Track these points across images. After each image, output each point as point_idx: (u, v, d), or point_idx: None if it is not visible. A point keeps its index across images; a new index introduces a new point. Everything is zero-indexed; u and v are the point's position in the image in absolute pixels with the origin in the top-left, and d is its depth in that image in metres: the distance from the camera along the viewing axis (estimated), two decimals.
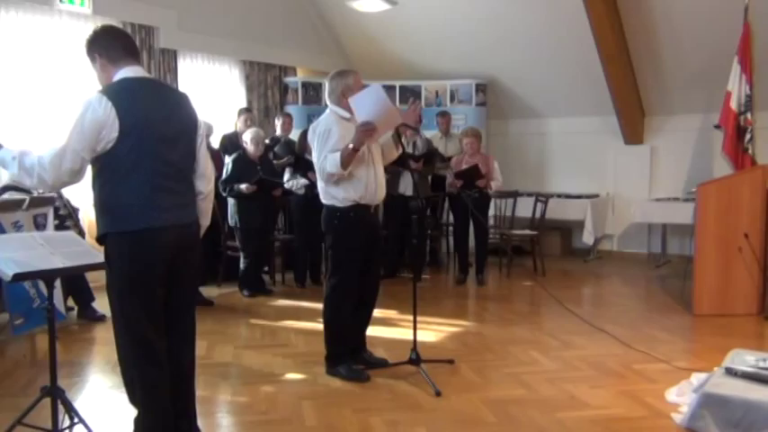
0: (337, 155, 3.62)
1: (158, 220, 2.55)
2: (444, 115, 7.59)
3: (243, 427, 3.27)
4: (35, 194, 4.63)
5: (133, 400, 2.70)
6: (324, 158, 3.68)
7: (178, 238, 2.63)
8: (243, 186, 5.88)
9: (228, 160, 6.05)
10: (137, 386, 2.65)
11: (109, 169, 2.51)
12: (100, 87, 2.59)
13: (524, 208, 7.26)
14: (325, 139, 3.70)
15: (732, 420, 3.01)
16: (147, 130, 2.53)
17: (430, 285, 6.75)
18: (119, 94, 2.51)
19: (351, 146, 3.57)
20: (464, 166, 6.47)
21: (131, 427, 2.74)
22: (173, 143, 2.62)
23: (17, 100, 5.83)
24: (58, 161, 2.42)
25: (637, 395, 3.58)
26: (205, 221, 2.86)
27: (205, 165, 2.81)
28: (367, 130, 3.55)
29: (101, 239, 2.60)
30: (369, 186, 3.78)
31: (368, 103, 3.57)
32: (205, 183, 2.81)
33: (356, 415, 3.35)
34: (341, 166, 3.62)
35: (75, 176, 2.50)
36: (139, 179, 2.52)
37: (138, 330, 2.59)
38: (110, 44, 2.62)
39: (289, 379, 3.94)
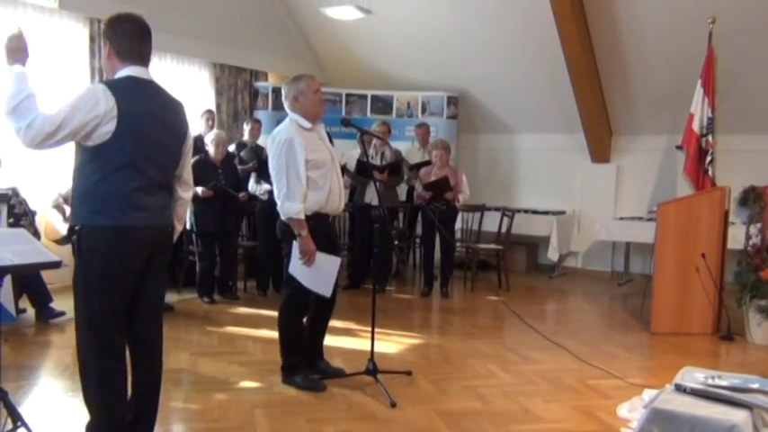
0: (298, 210, 3.59)
1: (140, 220, 2.55)
2: (422, 126, 7.63)
3: None
4: None
5: (87, 398, 2.65)
6: (287, 193, 3.61)
7: (154, 240, 2.64)
8: (198, 190, 5.74)
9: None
10: (93, 384, 2.61)
11: (99, 162, 2.50)
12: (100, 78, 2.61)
13: (491, 222, 7.31)
14: (286, 151, 3.61)
15: None
16: (144, 131, 2.54)
17: (394, 297, 6.74)
18: (122, 90, 2.51)
19: (301, 234, 3.60)
20: (433, 178, 6.50)
21: None
22: (166, 147, 2.65)
23: None
24: (50, 123, 2.37)
25: (590, 410, 3.61)
26: (180, 226, 2.87)
27: (189, 172, 2.86)
28: (308, 252, 3.63)
29: (73, 230, 2.57)
30: (331, 196, 3.76)
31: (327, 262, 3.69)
32: (186, 189, 2.86)
33: (309, 425, 3.33)
34: (290, 222, 3.63)
35: (50, 144, 2.42)
36: (128, 177, 2.52)
37: (100, 328, 2.56)
38: (123, 40, 2.61)
39: (243, 387, 3.89)
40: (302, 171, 3.61)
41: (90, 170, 2.52)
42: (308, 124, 3.72)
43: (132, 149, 2.51)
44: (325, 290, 3.73)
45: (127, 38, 2.61)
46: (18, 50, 2.55)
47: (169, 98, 2.76)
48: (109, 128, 2.45)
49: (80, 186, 2.56)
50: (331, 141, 3.88)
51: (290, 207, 3.62)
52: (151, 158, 2.58)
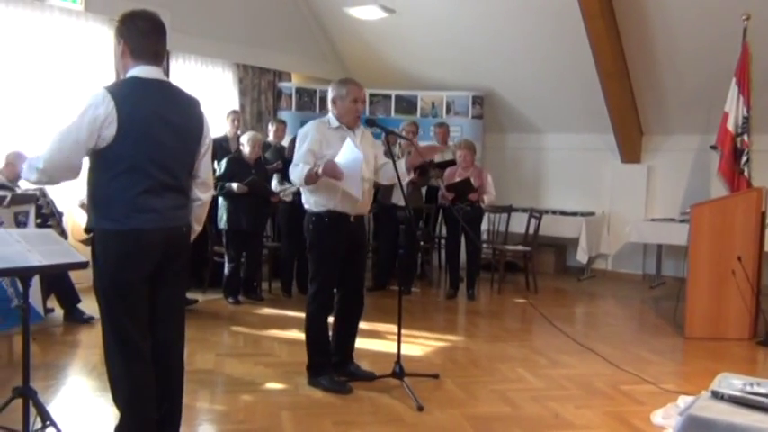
0: (305, 169, 3.66)
1: (147, 222, 2.52)
2: (441, 126, 7.55)
3: None
4: (18, 192, 4.57)
5: (116, 399, 2.64)
6: (296, 165, 3.74)
7: (166, 241, 2.60)
8: (234, 185, 5.79)
9: (223, 160, 5.99)
10: (120, 385, 2.60)
11: (104, 166, 2.50)
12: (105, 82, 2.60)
13: (518, 223, 7.20)
14: (300, 140, 3.78)
15: None
16: (148, 133, 2.50)
17: (419, 299, 6.68)
18: (123, 94, 2.49)
19: (315, 170, 3.62)
20: (457, 179, 6.43)
21: None
22: (173, 149, 2.59)
23: (5, 96, 5.76)
24: (56, 149, 2.40)
25: (623, 416, 3.52)
26: (198, 227, 2.84)
27: (207, 172, 2.80)
28: (332, 172, 3.60)
29: (89, 231, 2.60)
30: (345, 196, 3.72)
31: (349, 158, 3.63)
32: (204, 190, 2.80)
33: (336, 427, 3.30)
34: (304, 182, 3.69)
35: (71, 169, 2.46)
36: (132, 180, 2.49)
37: (121, 329, 2.56)
38: (137, 37, 2.57)
39: (269, 388, 3.87)
40: (303, 155, 3.72)
41: (97, 174, 2.52)
42: (335, 123, 3.78)
43: (135, 152, 2.48)
44: (356, 189, 3.68)
45: (141, 35, 2.57)
46: None
47: (180, 97, 2.70)
48: (110, 132, 2.43)
49: (89, 191, 2.57)
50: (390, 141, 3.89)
51: (294, 172, 3.74)
52: (155, 161, 2.53)
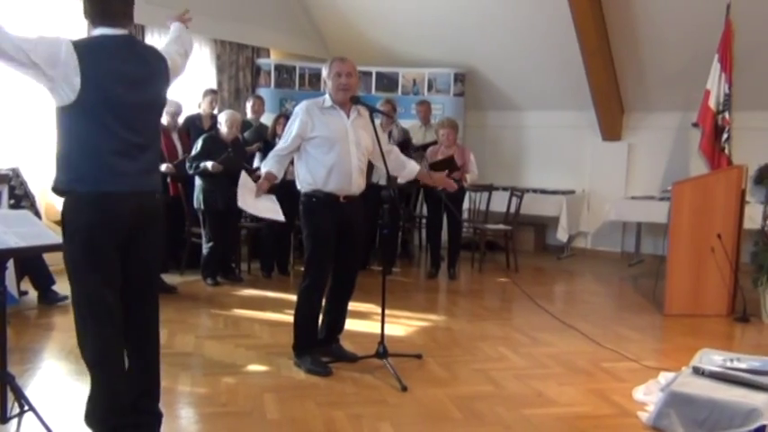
0: (268, 165, 3.80)
1: (117, 185, 2.47)
2: (423, 104, 7.45)
3: (202, 419, 3.18)
4: None
5: (86, 363, 2.59)
6: (276, 154, 3.83)
7: (137, 206, 2.55)
8: (209, 164, 5.66)
9: (199, 139, 5.86)
10: (90, 348, 2.56)
11: (70, 125, 2.45)
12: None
13: (499, 202, 7.18)
14: (291, 125, 3.80)
15: (697, 419, 3.01)
16: (114, 92, 2.45)
17: (400, 279, 6.66)
18: (88, 48, 2.44)
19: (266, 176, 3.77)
20: (439, 157, 6.38)
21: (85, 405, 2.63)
22: (140, 108, 2.54)
23: None
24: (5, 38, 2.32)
25: (604, 393, 3.54)
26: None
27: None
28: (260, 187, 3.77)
29: (56, 191, 2.55)
30: (334, 174, 3.69)
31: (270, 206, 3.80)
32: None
33: (319, 408, 3.27)
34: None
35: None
36: (101, 140, 2.45)
37: (93, 291, 2.50)
38: (92, 4, 2.53)
39: (251, 371, 3.83)
40: (289, 141, 3.76)
41: (64, 134, 2.48)
42: (328, 103, 3.78)
43: (101, 110, 2.43)
44: (278, 214, 3.81)
45: (97, 2, 2.52)
46: None
47: (145, 52, 2.65)
48: (74, 86, 2.38)
49: (57, 152, 2.51)
50: (373, 123, 3.85)
51: (267, 160, 3.86)
52: (121, 118, 2.48)
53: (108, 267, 2.51)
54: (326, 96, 3.82)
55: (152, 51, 2.70)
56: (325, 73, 3.82)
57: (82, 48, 2.42)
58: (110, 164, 2.46)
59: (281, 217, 3.82)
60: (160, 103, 2.71)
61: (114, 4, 2.52)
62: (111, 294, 2.53)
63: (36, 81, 2.43)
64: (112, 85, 2.44)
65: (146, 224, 2.60)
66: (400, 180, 4.13)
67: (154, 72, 2.63)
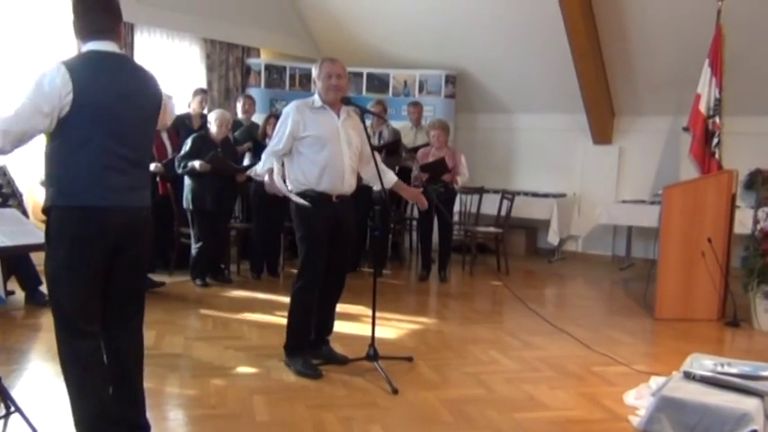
0: (267, 166, 3.73)
1: (105, 200, 2.44)
2: (415, 105, 7.44)
3: (191, 422, 3.15)
4: None
5: (66, 380, 2.56)
6: (269, 154, 3.77)
7: (125, 222, 2.52)
8: (197, 163, 5.61)
9: (189, 138, 5.80)
10: (68, 364, 2.52)
11: (60, 140, 2.42)
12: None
13: (490, 205, 7.18)
14: (282, 125, 3.75)
15: (688, 424, 3.01)
16: (104, 106, 2.42)
17: (391, 281, 6.63)
18: (78, 66, 2.42)
19: (268, 179, 3.71)
20: (430, 159, 6.37)
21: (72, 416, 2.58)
22: (131, 122, 2.51)
23: None
24: (13, 120, 2.33)
25: (595, 397, 3.53)
26: None
27: None
28: (271, 189, 3.75)
29: (46, 212, 2.49)
30: (326, 175, 3.68)
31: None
32: None
33: (309, 411, 3.25)
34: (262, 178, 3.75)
35: (24, 140, 2.40)
36: (90, 155, 2.41)
37: (72, 309, 2.48)
38: (83, 13, 2.51)
39: (240, 372, 3.80)
40: (283, 141, 3.72)
41: (54, 149, 2.44)
42: (318, 103, 3.75)
43: (92, 125, 2.41)
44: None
45: (89, 11, 2.51)
46: None
47: (137, 71, 2.63)
48: (66, 102, 2.35)
49: (47, 166, 2.48)
50: (364, 123, 3.86)
51: (262, 162, 3.81)
52: (113, 133, 2.45)
53: (88, 279, 2.48)
54: (315, 97, 3.79)
55: (147, 71, 2.68)
56: (314, 73, 3.79)
57: (72, 65, 2.40)
58: (101, 178, 2.43)
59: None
60: (153, 117, 2.66)
61: (100, 20, 2.51)
62: (89, 310, 2.51)
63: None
64: (103, 99, 2.42)
65: (133, 240, 2.56)
66: (376, 188, 4.06)
67: (146, 88, 2.62)
